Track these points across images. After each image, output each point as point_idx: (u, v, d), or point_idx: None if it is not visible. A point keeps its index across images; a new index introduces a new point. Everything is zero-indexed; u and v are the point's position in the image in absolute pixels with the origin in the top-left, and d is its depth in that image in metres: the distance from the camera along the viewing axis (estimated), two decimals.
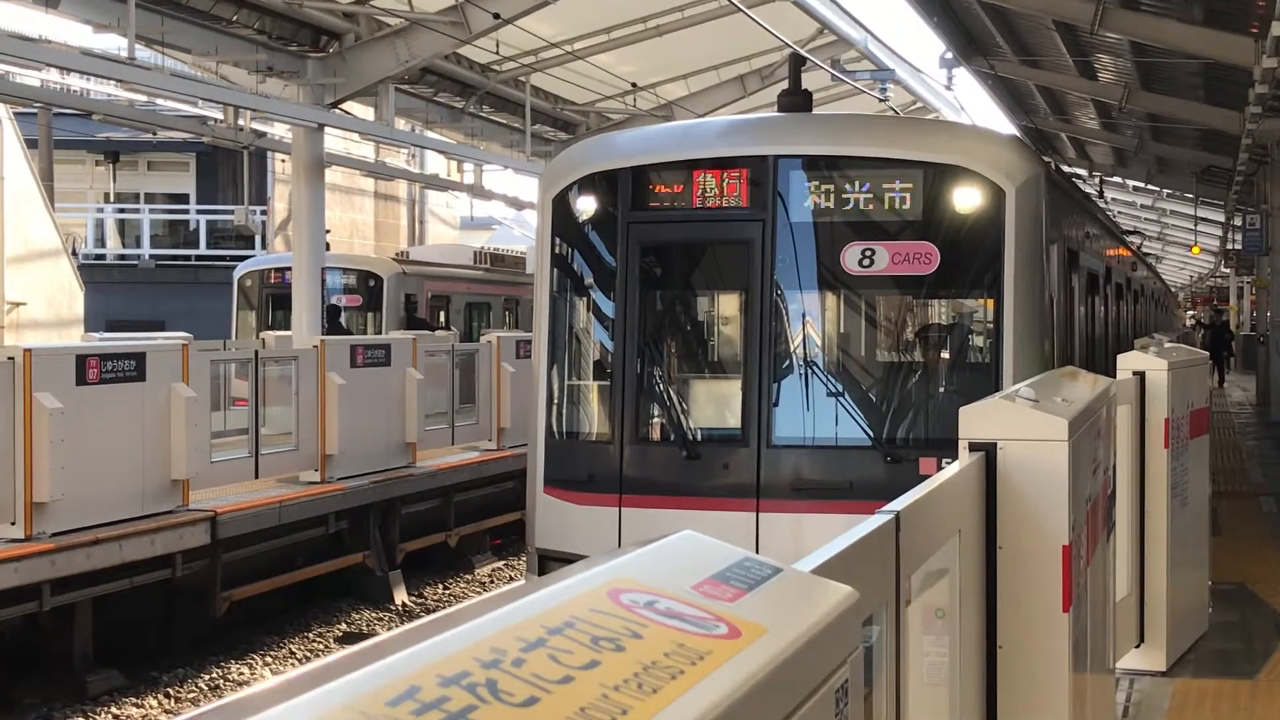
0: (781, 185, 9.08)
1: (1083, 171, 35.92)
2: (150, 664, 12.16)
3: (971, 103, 27.43)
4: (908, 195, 8.96)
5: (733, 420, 9.21)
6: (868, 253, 8.94)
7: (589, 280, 9.70)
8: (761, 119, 11.71)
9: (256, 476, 13.68)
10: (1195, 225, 41.96)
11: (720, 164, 9.20)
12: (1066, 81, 24.18)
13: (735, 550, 2.07)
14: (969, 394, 9.29)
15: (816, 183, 9.06)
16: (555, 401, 9.54)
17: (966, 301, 9.60)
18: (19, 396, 10.61)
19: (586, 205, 9.45)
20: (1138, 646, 7.68)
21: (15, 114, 25.97)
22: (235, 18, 18.56)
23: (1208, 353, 12.22)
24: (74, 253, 30.80)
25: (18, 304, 26.09)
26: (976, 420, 3.80)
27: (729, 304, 9.77)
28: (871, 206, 9.01)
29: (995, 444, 3.75)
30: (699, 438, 9.16)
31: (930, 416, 9.25)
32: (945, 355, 9.55)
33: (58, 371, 10.89)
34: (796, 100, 10.05)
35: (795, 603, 2.04)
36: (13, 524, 10.59)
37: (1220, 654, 8.43)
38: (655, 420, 9.33)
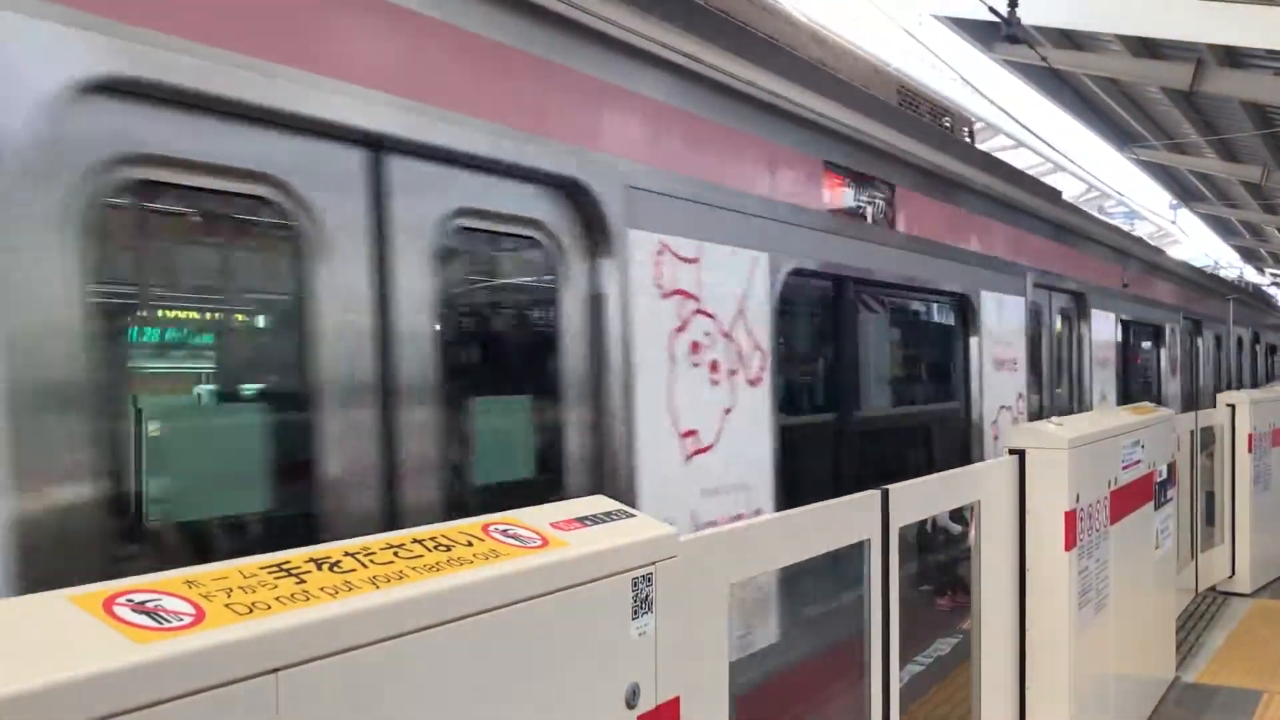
0: None
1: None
2: None
3: (1195, 231, 37.80)
4: None
5: None
6: None
7: None
8: None
9: None
10: None
11: None
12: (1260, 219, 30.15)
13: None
14: None
15: None
16: None
17: None
18: None
19: None
20: (1229, 577, 12.88)
21: None
22: None
23: None
24: None
25: None
26: (1016, 434, 7.19)
27: None
28: None
29: (1024, 450, 7.12)
30: None
31: None
32: None
33: None
34: None
35: (612, 531, 2.76)
36: None
37: None
38: None
